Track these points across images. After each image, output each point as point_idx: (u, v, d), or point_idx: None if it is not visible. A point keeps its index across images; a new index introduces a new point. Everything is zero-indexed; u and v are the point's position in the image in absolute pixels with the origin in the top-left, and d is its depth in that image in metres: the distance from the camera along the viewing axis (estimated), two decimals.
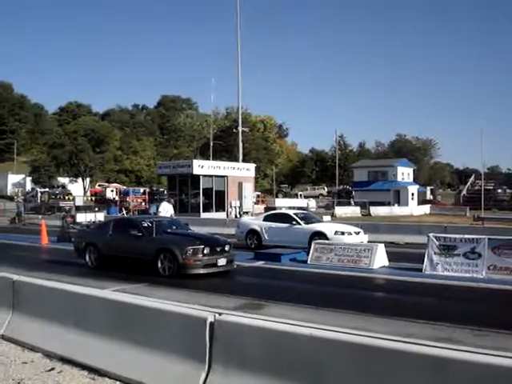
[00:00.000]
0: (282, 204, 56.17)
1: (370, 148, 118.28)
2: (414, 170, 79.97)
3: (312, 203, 63.28)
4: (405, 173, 73.45)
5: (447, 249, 14.86)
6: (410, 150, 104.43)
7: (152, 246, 14.84)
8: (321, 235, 19.76)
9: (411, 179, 75.61)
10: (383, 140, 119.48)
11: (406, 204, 59.96)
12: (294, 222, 21.10)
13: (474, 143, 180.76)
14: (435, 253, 14.98)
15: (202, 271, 14.40)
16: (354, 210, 53.45)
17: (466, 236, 15.05)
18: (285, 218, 21.78)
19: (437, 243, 15.03)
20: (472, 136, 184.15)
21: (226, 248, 15.27)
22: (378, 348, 4.78)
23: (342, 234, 19.88)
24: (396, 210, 54.63)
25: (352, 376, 4.82)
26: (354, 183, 76.20)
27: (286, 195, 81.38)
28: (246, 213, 41.16)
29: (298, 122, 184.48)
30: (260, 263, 17.20)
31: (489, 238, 14.70)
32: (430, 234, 15.45)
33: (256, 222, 22.82)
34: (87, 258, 16.56)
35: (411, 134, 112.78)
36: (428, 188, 79.38)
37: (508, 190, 75.44)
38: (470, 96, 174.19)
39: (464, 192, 71.79)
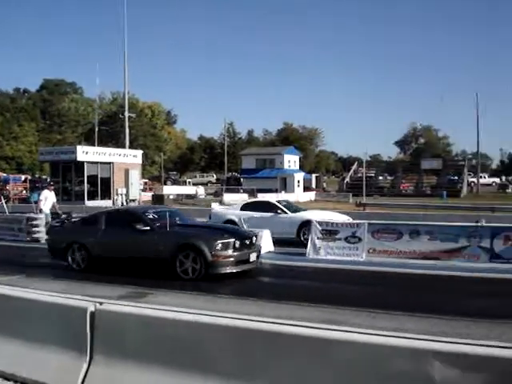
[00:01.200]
0: (171, 191, 55.85)
1: (259, 136, 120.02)
2: (300, 158, 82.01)
3: (201, 190, 63.27)
4: (291, 160, 75.03)
5: (329, 233, 15.36)
6: (297, 138, 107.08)
7: (168, 243, 12.45)
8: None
9: (297, 167, 77.42)
10: (271, 128, 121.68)
11: (293, 191, 61.23)
12: (279, 211, 19.62)
13: (357, 133, 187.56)
14: (318, 237, 15.43)
15: (234, 270, 12.27)
16: (242, 197, 53.82)
17: (347, 221, 15.61)
18: (267, 206, 20.25)
19: (319, 228, 15.49)
20: (355, 126, 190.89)
21: (254, 240, 13.38)
22: (258, 331, 4.84)
23: None
24: (282, 197, 55.65)
25: (234, 359, 4.86)
26: (242, 170, 76.98)
27: (174, 182, 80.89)
28: (133, 200, 40.60)
29: (187, 109, 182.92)
30: None
31: (369, 223, 15.36)
32: (313, 220, 15.90)
33: (232, 212, 20.84)
34: (70, 259, 13.78)
35: (298, 123, 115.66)
36: (313, 175, 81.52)
37: (389, 177, 79.16)
38: (352, 86, 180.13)
39: (347, 179, 74.31)
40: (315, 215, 19.21)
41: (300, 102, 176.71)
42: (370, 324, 8.03)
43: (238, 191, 60.33)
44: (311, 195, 60.24)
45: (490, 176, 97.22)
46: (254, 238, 13.40)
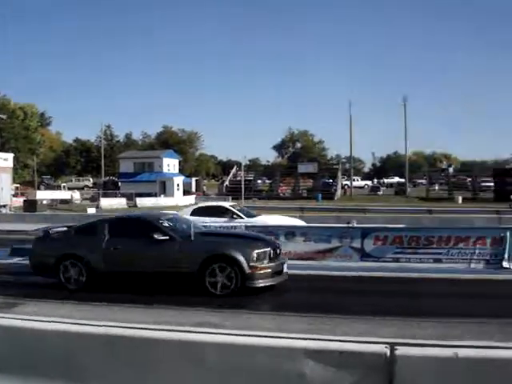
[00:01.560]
0: (44, 196, 53.89)
1: (137, 139, 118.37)
2: (179, 162, 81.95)
3: (76, 195, 61.45)
4: (171, 164, 74.91)
5: None
6: (176, 141, 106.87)
7: (195, 254, 11.01)
8: None
9: (177, 170, 77.35)
10: (150, 131, 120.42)
11: (172, 195, 61.06)
12: (235, 216, 18.54)
13: (237, 136, 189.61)
14: None
15: (271, 282, 11.01)
16: (119, 202, 53.04)
17: (225, 224, 15.72)
18: (220, 211, 19.08)
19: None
20: (234, 129, 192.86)
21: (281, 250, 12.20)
22: (130, 337, 4.76)
23: None
24: (162, 201, 55.53)
25: (108, 368, 4.74)
26: (120, 174, 75.82)
27: (48, 187, 77.87)
28: (4, 206, 38.88)
29: (62, 111, 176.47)
30: (17, 259, 16.01)
31: (245, 225, 15.56)
32: (191, 224, 15.83)
33: None
34: (62, 276, 11.73)
35: (177, 126, 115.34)
36: (193, 179, 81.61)
37: (267, 181, 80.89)
38: (230, 90, 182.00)
39: (227, 182, 74.95)
40: (271, 219, 18.71)
41: (179, 104, 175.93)
42: (255, 325, 8.11)
43: (115, 195, 59.24)
44: (191, 199, 60.30)
45: (362, 179, 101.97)
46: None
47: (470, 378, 3.99)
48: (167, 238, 11.33)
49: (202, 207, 20.36)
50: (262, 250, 11.01)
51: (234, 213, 18.85)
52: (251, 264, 10.67)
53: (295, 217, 22.48)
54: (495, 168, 76.23)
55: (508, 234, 13.93)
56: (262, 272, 10.80)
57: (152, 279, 11.43)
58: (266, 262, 10.94)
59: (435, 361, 4.08)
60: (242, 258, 10.67)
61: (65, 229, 13.35)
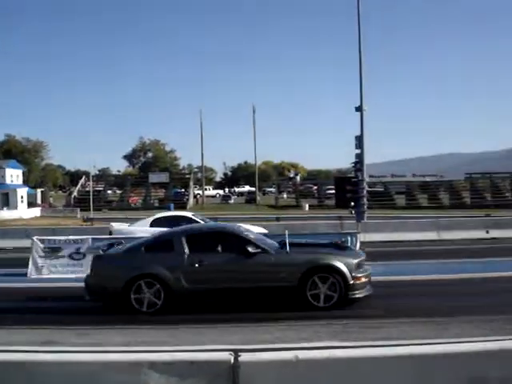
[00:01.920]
0: None
1: None
2: (24, 172, 78.33)
3: None
4: (14, 175, 71.43)
5: (52, 251, 14.97)
6: (20, 151, 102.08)
7: (295, 266, 10.27)
8: None
9: (21, 181, 73.85)
10: None
11: (16, 207, 58.36)
12: None
13: (86, 146, 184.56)
14: (40, 256, 14.99)
15: (367, 293, 10.53)
16: None
17: (71, 237, 15.29)
18: (183, 221, 17.37)
19: (41, 246, 15.06)
20: (83, 138, 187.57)
21: None
22: None
23: None
24: (4, 214, 53.00)
25: None
26: None
27: None
28: None
29: None
30: None
31: (93, 238, 15.22)
32: (34, 237, 15.28)
33: (141, 229, 17.74)
34: (134, 300, 10.26)
35: (21, 135, 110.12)
36: (39, 190, 78.46)
37: (118, 191, 79.56)
38: (78, 99, 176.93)
39: (75, 193, 72.82)
40: None
41: (24, 112, 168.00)
42: (91, 342, 7.91)
43: None
44: (36, 211, 58.21)
45: (214, 188, 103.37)
46: None
47: (311, 378, 4.17)
48: (259, 250, 10.54)
49: (163, 217, 19.45)
50: (359, 260, 10.70)
51: (196, 222, 18.05)
52: (353, 274, 10.25)
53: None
54: (336, 176, 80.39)
55: (349, 238, 14.80)
56: (361, 282, 10.42)
57: (245, 296, 10.56)
58: (362, 270, 10.58)
59: (277, 364, 4.22)
60: (345, 268, 10.22)
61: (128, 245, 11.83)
